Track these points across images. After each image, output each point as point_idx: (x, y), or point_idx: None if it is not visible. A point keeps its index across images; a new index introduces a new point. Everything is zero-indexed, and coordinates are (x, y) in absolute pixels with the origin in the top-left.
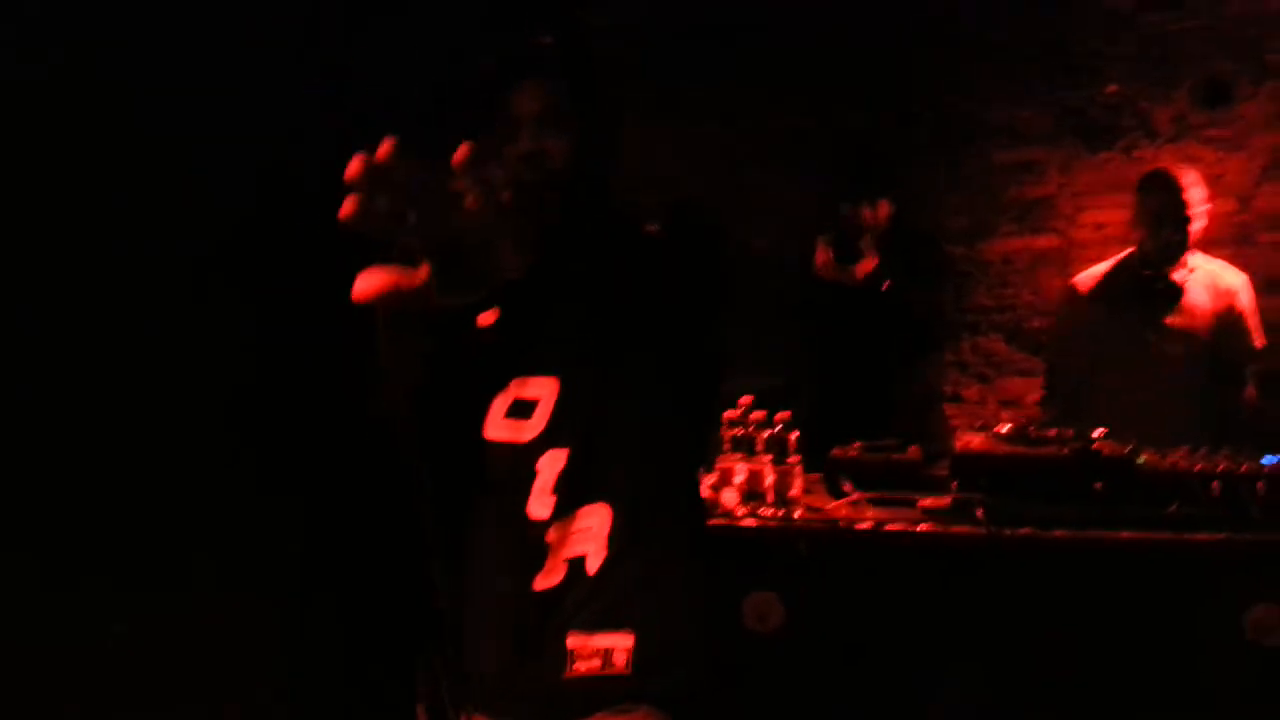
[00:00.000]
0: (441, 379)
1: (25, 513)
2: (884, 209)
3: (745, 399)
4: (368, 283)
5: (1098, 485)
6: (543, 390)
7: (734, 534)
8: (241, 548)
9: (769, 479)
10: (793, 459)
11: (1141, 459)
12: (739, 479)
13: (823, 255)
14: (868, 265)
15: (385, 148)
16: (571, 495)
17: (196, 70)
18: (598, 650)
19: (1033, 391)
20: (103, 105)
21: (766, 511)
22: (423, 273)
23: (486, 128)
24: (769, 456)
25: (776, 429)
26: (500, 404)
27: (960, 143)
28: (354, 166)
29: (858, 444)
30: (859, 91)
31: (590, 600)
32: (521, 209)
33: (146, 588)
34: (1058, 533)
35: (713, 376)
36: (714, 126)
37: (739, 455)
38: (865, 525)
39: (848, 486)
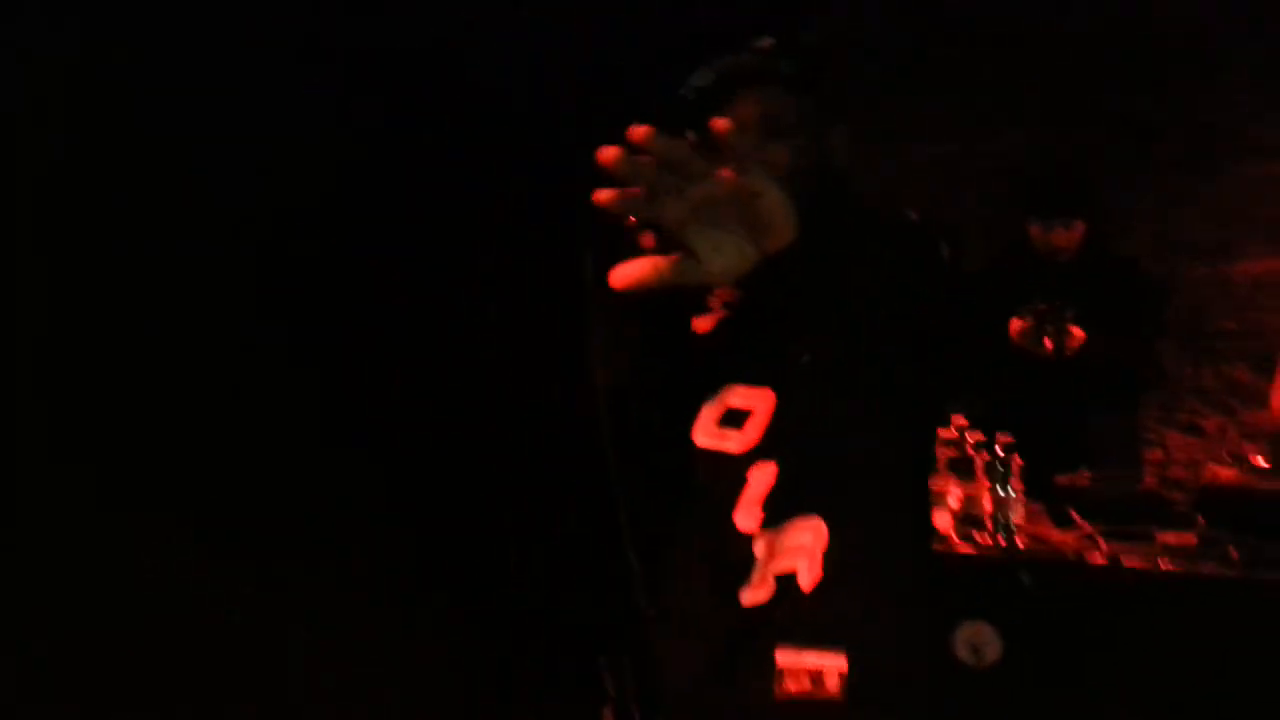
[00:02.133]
0: (649, 378)
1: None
2: (1078, 229)
3: (959, 419)
4: (627, 272)
5: None
6: (757, 401)
7: (948, 560)
8: (435, 542)
9: (988, 504)
10: (1016, 484)
11: None
12: (953, 502)
13: (1018, 324)
14: (1075, 340)
15: (641, 132)
16: (782, 508)
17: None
18: (808, 670)
19: None
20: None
21: (985, 539)
22: (675, 256)
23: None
24: (987, 481)
25: (999, 452)
26: (711, 411)
27: (1210, 157)
28: (610, 153)
29: (1086, 473)
30: (1094, 104)
31: (802, 618)
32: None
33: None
34: None
35: (936, 395)
36: (924, 143)
37: (953, 477)
38: (1099, 559)
39: (1075, 516)
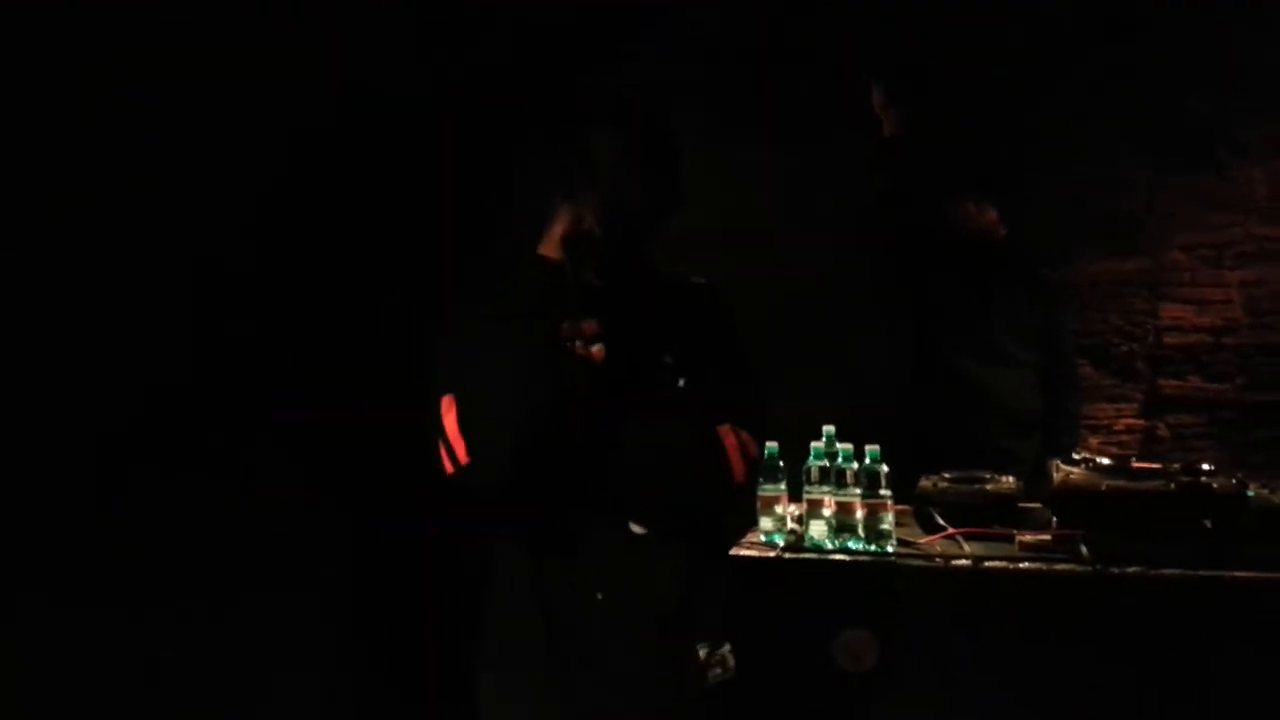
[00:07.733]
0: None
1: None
2: (992, 214)
3: (828, 426)
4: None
5: (1208, 522)
6: None
7: (824, 568)
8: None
9: (859, 512)
10: (884, 491)
11: (1252, 494)
12: (827, 511)
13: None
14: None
15: None
16: None
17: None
18: None
19: (1123, 417)
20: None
21: (858, 546)
22: None
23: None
24: (858, 489)
25: (866, 460)
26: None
27: (1041, 161)
28: None
29: (946, 474)
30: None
31: None
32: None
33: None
34: (1168, 571)
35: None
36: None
37: (827, 487)
38: (963, 562)
39: (941, 520)
